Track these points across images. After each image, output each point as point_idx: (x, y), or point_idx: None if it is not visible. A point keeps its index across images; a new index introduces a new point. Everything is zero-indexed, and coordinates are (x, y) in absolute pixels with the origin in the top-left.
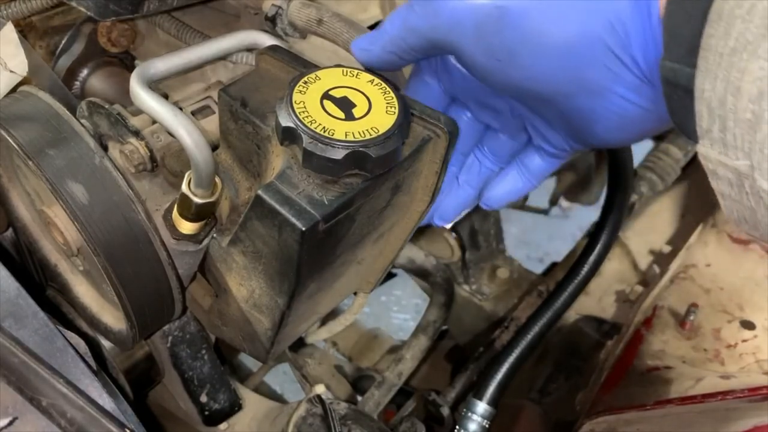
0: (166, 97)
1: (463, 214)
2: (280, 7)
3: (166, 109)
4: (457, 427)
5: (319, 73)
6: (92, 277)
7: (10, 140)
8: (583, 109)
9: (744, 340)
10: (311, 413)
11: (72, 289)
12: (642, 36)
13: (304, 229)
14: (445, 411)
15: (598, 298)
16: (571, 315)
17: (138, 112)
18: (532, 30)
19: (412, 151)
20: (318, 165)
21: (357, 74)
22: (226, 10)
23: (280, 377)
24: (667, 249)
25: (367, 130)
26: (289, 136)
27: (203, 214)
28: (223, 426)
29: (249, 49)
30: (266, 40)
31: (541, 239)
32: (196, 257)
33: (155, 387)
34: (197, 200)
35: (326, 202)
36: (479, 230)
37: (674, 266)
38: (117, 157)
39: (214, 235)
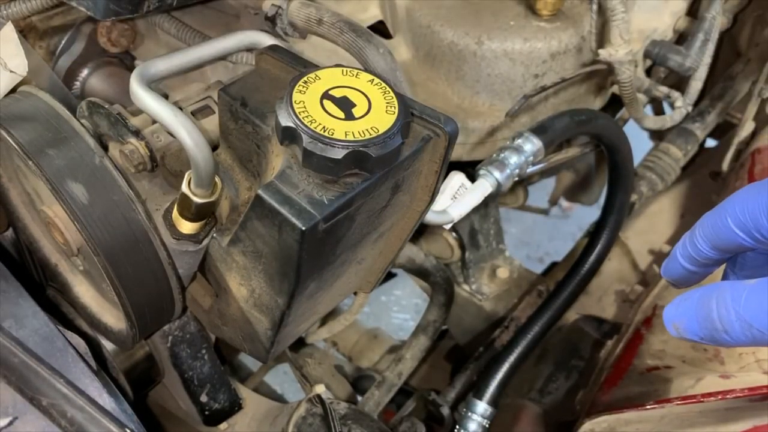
0: (166, 97)
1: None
2: (279, 7)
3: (166, 109)
4: (457, 427)
5: (319, 72)
6: (92, 277)
7: (10, 140)
8: None
9: None
10: (311, 413)
11: (72, 289)
12: None
13: (304, 228)
14: (445, 411)
15: (598, 298)
16: (571, 315)
17: (138, 112)
18: None
19: (412, 150)
20: (318, 165)
21: (357, 74)
22: (226, 10)
23: (280, 377)
24: (667, 249)
25: (366, 129)
26: (288, 135)
27: (203, 213)
28: (223, 426)
29: (249, 49)
30: (266, 40)
31: (541, 239)
32: (196, 257)
33: (155, 387)
34: (197, 200)
35: (326, 202)
36: (479, 230)
37: None
38: (117, 157)
39: (214, 235)
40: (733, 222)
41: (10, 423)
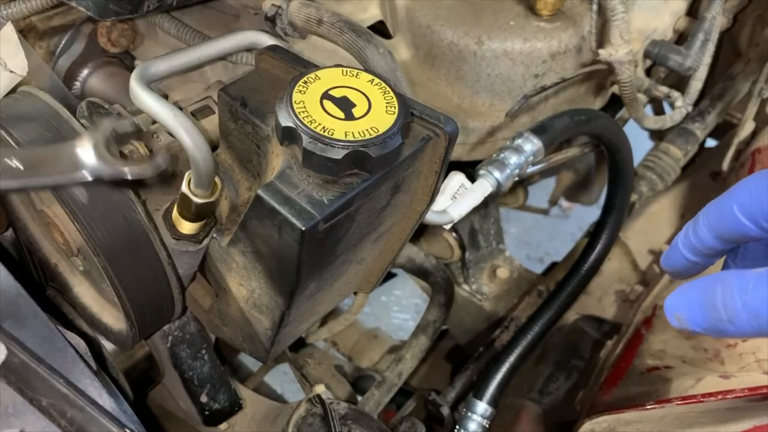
0: (166, 97)
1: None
2: (279, 7)
3: (165, 109)
4: (457, 427)
5: (319, 72)
6: (92, 277)
7: (10, 140)
8: None
9: (744, 340)
10: (311, 413)
11: (72, 289)
12: None
13: (304, 228)
14: (445, 411)
15: (598, 298)
16: (571, 315)
17: (138, 112)
18: None
19: (412, 150)
20: (318, 165)
21: (357, 74)
22: (226, 10)
23: (280, 377)
24: (666, 249)
25: (366, 129)
26: (288, 135)
27: (203, 214)
28: (223, 426)
29: (249, 49)
30: (266, 40)
31: (541, 239)
32: (196, 257)
33: (155, 387)
34: (197, 200)
35: (326, 202)
36: (479, 230)
37: None
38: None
39: (214, 235)
40: (740, 210)
41: None
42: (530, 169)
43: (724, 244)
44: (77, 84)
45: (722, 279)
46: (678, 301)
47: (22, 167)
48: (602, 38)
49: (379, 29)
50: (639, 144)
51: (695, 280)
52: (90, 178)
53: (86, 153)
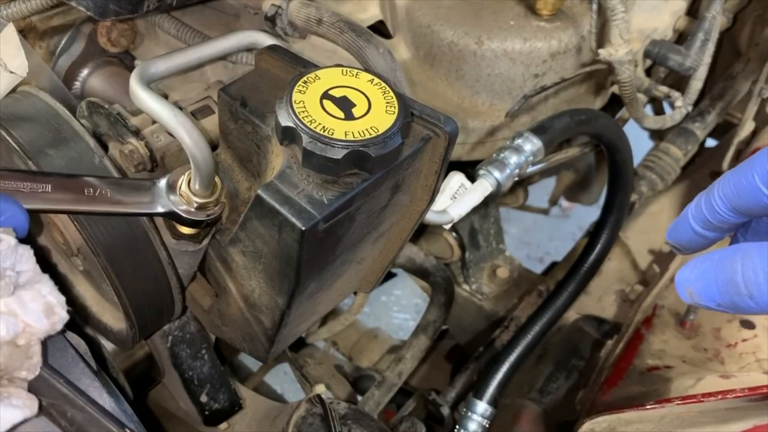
0: (166, 97)
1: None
2: (279, 7)
3: (165, 108)
4: (458, 426)
5: (319, 72)
6: (92, 277)
7: (10, 140)
8: None
9: (744, 340)
10: (311, 413)
11: (72, 289)
12: None
13: (304, 228)
14: (445, 411)
15: (598, 298)
16: (571, 314)
17: (138, 112)
18: None
19: (411, 150)
20: (318, 164)
21: (357, 74)
22: (226, 10)
23: (280, 377)
24: (667, 248)
25: (366, 129)
26: (288, 135)
27: None
28: (223, 426)
29: (249, 49)
30: (266, 40)
31: (541, 239)
32: (196, 257)
33: (155, 387)
34: (197, 200)
35: (326, 202)
36: (479, 230)
37: (674, 266)
38: (117, 156)
39: (215, 235)
40: (761, 179)
41: None
42: (530, 169)
43: (738, 216)
44: (77, 84)
45: (742, 251)
46: (691, 274)
47: (110, 194)
48: (602, 38)
49: (379, 29)
50: (639, 144)
51: (710, 252)
52: (162, 211)
53: (165, 191)
